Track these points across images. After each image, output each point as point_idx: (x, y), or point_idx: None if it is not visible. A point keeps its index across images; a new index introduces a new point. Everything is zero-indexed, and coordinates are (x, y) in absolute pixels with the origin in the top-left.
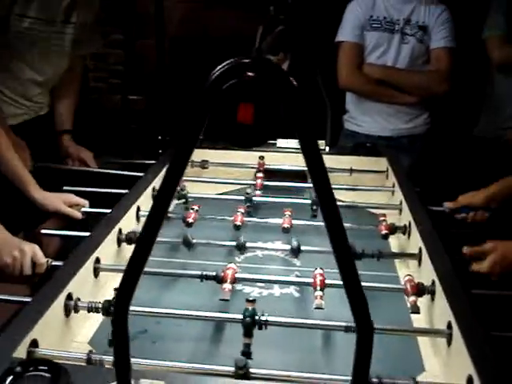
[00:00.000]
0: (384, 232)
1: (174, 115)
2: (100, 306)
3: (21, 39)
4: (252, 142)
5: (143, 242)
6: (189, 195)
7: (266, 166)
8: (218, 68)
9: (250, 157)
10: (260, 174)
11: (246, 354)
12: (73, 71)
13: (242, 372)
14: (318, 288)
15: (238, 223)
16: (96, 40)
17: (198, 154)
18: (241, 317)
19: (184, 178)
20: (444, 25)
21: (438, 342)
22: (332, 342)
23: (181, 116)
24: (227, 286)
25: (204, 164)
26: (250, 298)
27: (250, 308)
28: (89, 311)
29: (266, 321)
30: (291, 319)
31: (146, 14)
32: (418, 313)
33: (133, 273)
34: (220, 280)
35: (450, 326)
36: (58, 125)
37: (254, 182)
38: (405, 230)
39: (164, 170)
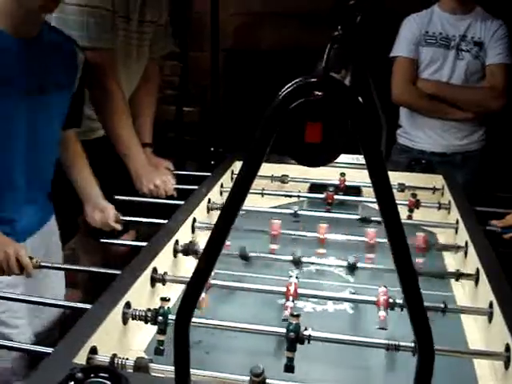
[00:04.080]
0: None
1: (228, 127)
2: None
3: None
4: (321, 161)
5: (208, 254)
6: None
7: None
8: (285, 87)
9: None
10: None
11: (289, 367)
12: (150, 80)
13: (258, 380)
14: (382, 308)
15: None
16: (168, 42)
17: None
18: (281, 330)
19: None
20: (500, 41)
21: (495, 363)
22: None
23: (235, 130)
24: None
25: (284, 179)
26: (295, 313)
27: (294, 322)
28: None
29: (310, 336)
30: (335, 335)
31: (201, 26)
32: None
33: (196, 286)
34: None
35: (508, 348)
36: (139, 138)
37: (311, 195)
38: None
39: (219, 183)
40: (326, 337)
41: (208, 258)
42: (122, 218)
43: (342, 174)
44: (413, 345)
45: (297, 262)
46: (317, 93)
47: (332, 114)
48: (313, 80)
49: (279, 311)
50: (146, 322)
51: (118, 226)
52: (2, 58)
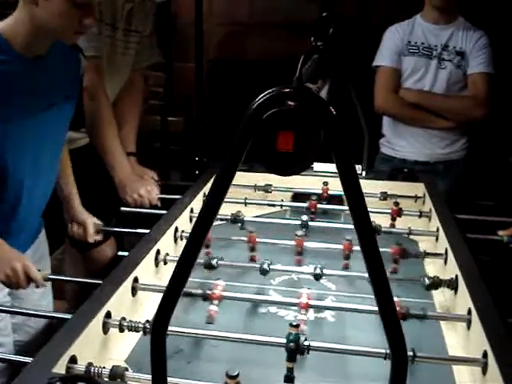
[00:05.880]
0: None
1: (212, 137)
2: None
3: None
4: (292, 169)
5: (184, 262)
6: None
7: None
8: (259, 97)
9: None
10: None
11: (289, 378)
12: (135, 89)
13: (233, 382)
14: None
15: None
16: (153, 53)
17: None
18: (282, 340)
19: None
20: (482, 50)
21: (474, 370)
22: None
23: (220, 139)
24: (213, 308)
25: (268, 188)
26: (294, 323)
27: (294, 333)
28: (129, 330)
29: (309, 346)
30: (334, 345)
31: (186, 37)
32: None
33: (172, 293)
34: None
35: (485, 354)
36: (123, 147)
37: (294, 204)
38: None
39: (201, 192)
40: (327, 347)
41: (184, 266)
42: (102, 228)
43: (325, 183)
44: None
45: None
46: (290, 103)
47: (304, 123)
48: (286, 90)
49: (261, 319)
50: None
51: (98, 238)
52: (14, 80)
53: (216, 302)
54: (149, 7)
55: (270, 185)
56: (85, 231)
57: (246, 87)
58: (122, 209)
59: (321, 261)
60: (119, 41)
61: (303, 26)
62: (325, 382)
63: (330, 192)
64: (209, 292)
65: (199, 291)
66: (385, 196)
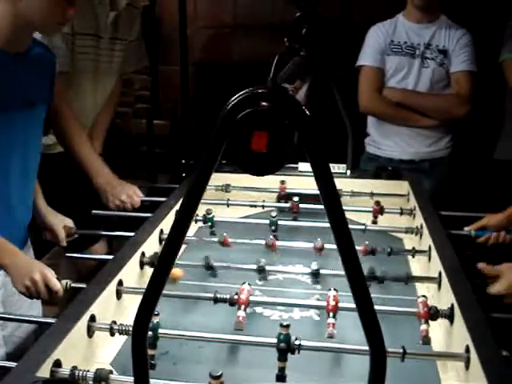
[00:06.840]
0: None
1: (198, 140)
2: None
3: (75, 60)
4: (266, 170)
5: (162, 263)
6: (215, 219)
7: (287, 190)
8: (233, 98)
9: (271, 181)
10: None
11: (281, 377)
12: (112, 96)
13: (217, 383)
14: (331, 315)
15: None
16: (141, 57)
17: (222, 178)
18: (272, 341)
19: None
20: (464, 48)
21: (457, 365)
22: (350, 365)
23: (201, 143)
24: (241, 313)
25: (226, 188)
26: (285, 323)
27: (284, 333)
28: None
29: (300, 345)
30: (324, 343)
31: (171, 40)
32: (429, 344)
33: (152, 294)
34: (233, 303)
35: (467, 349)
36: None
37: (277, 205)
38: None
39: None
40: (317, 345)
41: (162, 269)
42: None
43: (282, 182)
44: (401, 350)
45: (261, 271)
46: (263, 103)
47: (278, 124)
48: (260, 91)
49: (247, 320)
50: None
51: (63, 243)
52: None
53: (243, 307)
54: (134, 13)
55: (229, 184)
56: (56, 236)
57: (231, 89)
58: (93, 212)
59: (305, 260)
60: (104, 49)
61: (288, 28)
62: (314, 380)
63: (287, 190)
64: (235, 297)
65: (226, 296)
66: (370, 194)
